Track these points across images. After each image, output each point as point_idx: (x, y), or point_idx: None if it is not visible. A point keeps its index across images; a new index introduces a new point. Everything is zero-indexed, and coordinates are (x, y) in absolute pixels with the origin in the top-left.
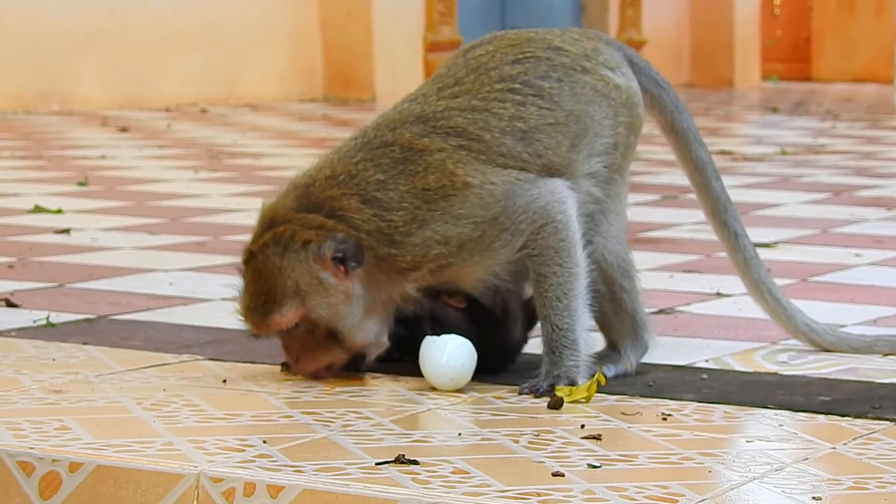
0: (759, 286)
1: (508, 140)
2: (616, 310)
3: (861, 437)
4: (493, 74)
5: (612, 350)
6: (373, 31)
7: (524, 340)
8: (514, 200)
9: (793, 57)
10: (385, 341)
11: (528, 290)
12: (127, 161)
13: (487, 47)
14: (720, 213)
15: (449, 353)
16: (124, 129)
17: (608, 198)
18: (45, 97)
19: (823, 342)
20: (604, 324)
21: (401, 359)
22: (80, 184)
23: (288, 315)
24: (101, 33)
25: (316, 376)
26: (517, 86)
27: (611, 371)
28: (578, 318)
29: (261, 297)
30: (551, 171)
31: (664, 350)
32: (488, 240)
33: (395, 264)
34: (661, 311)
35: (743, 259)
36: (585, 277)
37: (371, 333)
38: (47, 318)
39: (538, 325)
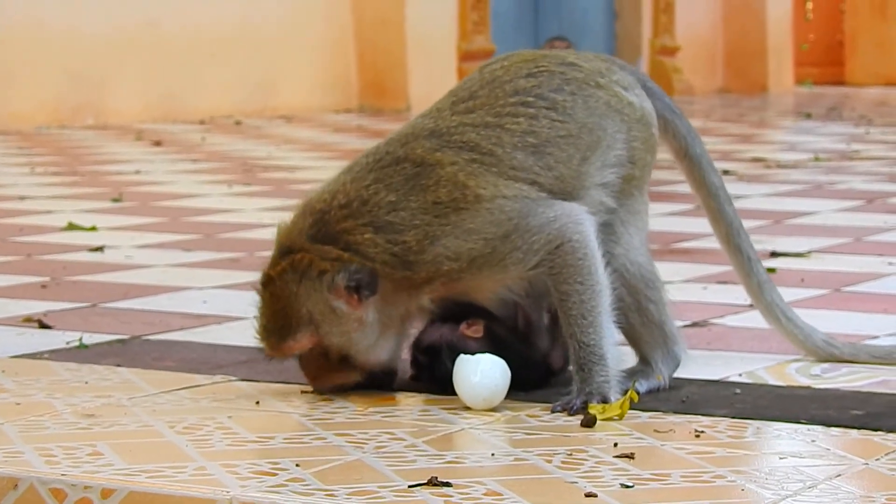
0: (773, 309)
1: (520, 154)
2: (643, 321)
3: (894, 451)
4: (508, 88)
5: (644, 364)
6: (407, 41)
7: (564, 367)
8: (528, 221)
9: (826, 61)
10: (398, 356)
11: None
12: (161, 176)
13: (503, 62)
14: (734, 237)
15: (482, 372)
16: (158, 143)
17: (626, 211)
18: (81, 111)
19: (843, 355)
20: (633, 337)
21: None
22: (115, 200)
23: (302, 341)
24: (136, 46)
25: (334, 392)
26: (530, 99)
27: (643, 386)
28: (604, 334)
29: (277, 321)
30: (563, 184)
31: (697, 364)
32: (499, 256)
33: (411, 282)
34: (694, 324)
35: (756, 283)
36: (609, 295)
37: (385, 352)
38: (80, 339)
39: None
